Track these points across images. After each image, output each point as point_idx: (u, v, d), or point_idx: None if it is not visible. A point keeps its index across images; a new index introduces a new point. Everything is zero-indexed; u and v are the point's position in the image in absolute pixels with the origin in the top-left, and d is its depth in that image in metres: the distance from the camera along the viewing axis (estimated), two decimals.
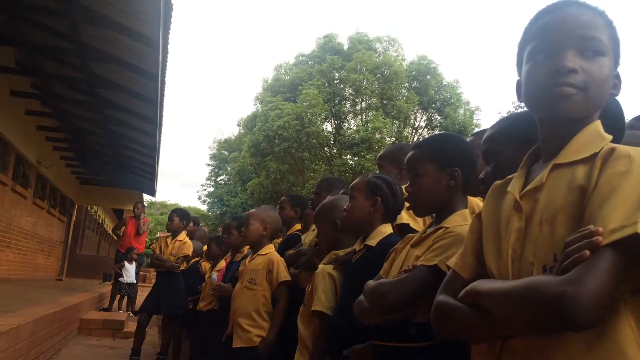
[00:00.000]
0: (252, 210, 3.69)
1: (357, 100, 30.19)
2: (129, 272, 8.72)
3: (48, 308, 4.91)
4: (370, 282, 1.68)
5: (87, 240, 24.24)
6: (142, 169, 15.07)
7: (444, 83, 30.93)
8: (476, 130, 28.74)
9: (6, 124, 10.29)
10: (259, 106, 31.82)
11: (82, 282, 14.71)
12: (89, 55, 8.35)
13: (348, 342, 1.95)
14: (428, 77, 30.19)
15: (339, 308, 2.19)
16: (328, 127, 30.91)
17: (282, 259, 3.32)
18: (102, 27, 7.30)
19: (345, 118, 31.30)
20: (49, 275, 16.09)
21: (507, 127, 1.63)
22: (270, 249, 3.40)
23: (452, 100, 30.48)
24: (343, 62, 28.82)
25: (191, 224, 6.60)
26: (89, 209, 23.18)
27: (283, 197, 3.87)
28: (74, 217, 19.28)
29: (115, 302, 8.89)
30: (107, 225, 28.80)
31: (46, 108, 11.84)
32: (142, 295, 7.63)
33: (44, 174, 13.79)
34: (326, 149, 30.53)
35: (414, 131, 31.18)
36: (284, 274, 3.19)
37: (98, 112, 11.21)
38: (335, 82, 29.71)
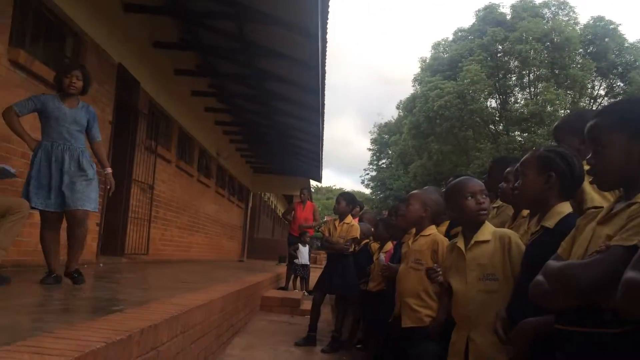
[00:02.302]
0: (415, 191, 3.65)
1: (523, 72, 28.25)
2: (303, 254, 9.21)
3: (234, 286, 5.39)
4: (554, 263, 1.55)
5: (262, 225, 26.15)
6: (308, 156, 15.79)
7: (626, 45, 27.54)
8: None
9: (190, 121, 11.48)
10: (418, 87, 31.35)
11: (260, 263, 15.94)
12: (254, 52, 8.95)
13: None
14: (606, 40, 27.12)
15: (514, 292, 2.08)
16: (492, 103, 29.43)
17: (446, 239, 3.26)
18: (266, 24, 7.76)
19: (511, 92, 29.51)
20: (232, 257, 17.70)
21: None
22: (432, 230, 3.35)
23: (638, 63, 27.06)
24: (506, 33, 27.09)
25: (357, 208, 6.76)
26: (262, 195, 24.95)
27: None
28: (250, 204, 20.90)
29: (291, 282, 9.47)
30: (279, 210, 30.74)
31: (222, 105, 12.97)
32: (314, 276, 8.02)
33: (223, 165, 15.15)
34: (491, 126, 29.14)
35: (592, 101, 28.33)
36: None
37: (265, 105, 11.99)
38: (499, 55, 28.07)
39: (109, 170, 4.32)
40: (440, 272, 2.82)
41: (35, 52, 5.65)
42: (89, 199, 4.11)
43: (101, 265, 7.08)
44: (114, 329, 2.22)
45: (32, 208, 3.94)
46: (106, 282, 4.83)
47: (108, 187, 4.33)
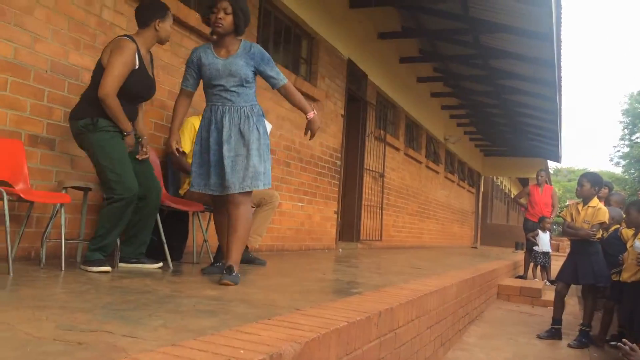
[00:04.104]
0: None
1: None
2: (543, 240, 8.60)
3: (468, 273, 5.28)
4: None
5: (495, 210, 25.12)
6: (544, 135, 14.66)
7: None
8: None
9: (416, 108, 11.56)
10: None
11: (495, 250, 15.35)
12: (480, 29, 8.59)
13: None
14: None
15: None
16: None
17: None
18: None
19: None
20: (465, 243, 17.38)
21: None
22: None
23: None
24: None
25: (604, 189, 6.04)
26: (494, 179, 23.95)
27: None
28: (481, 188, 20.25)
29: (530, 271, 8.92)
30: (513, 194, 29.21)
31: (447, 88, 12.78)
32: (555, 264, 7.41)
33: (451, 150, 14.94)
34: None
35: None
36: None
37: (493, 84, 11.44)
38: None
39: (310, 115, 3.23)
40: None
41: (277, 56, 6.27)
42: (248, 175, 3.06)
43: (340, 250, 7.59)
44: (354, 309, 2.34)
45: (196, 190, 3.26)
46: (345, 266, 5.15)
47: (307, 133, 3.30)
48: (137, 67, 3.17)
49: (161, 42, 3.38)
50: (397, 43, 9.80)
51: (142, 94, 3.33)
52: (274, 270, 4.03)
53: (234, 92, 3.13)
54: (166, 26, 3.32)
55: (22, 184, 3.03)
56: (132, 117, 3.29)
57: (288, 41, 6.62)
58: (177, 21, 4.47)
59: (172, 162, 4.20)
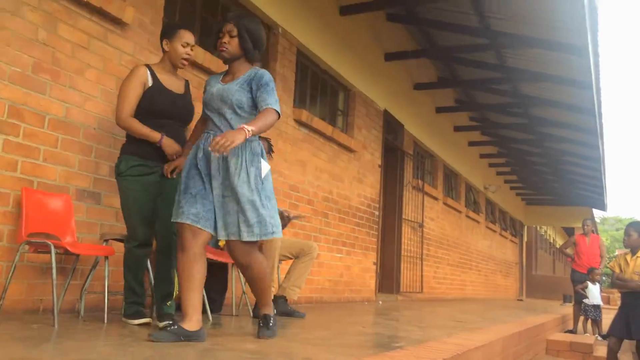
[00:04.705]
0: None
1: None
2: (593, 293, 8.23)
3: (514, 327, 5.08)
4: None
5: (541, 261, 24.33)
6: (588, 183, 14.32)
7: None
8: None
9: (454, 157, 11.50)
10: None
11: (541, 302, 14.78)
12: (517, 78, 8.60)
13: None
14: None
15: None
16: None
17: None
18: (527, 48, 7.41)
19: None
20: (509, 295, 16.79)
21: None
22: None
23: None
24: None
25: None
26: (538, 229, 23.31)
27: None
28: (524, 238, 19.71)
29: (580, 325, 8.51)
30: (558, 244, 28.31)
31: (485, 137, 12.72)
32: (607, 318, 7.07)
33: (491, 199, 14.69)
34: None
35: None
36: None
37: (533, 132, 11.33)
38: None
39: (247, 127, 2.53)
40: None
41: (314, 109, 6.40)
42: (246, 223, 2.66)
43: (380, 303, 7.44)
44: None
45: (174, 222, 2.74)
46: (386, 319, 5.03)
47: (219, 140, 2.44)
48: (150, 85, 3.10)
49: (174, 63, 3.18)
50: (433, 93, 9.88)
51: (168, 111, 3.11)
52: (313, 323, 3.97)
53: (227, 121, 2.77)
54: (175, 46, 3.13)
55: (69, 237, 3.13)
56: (176, 141, 3.11)
57: (325, 94, 6.76)
58: (204, 70, 4.56)
59: None
